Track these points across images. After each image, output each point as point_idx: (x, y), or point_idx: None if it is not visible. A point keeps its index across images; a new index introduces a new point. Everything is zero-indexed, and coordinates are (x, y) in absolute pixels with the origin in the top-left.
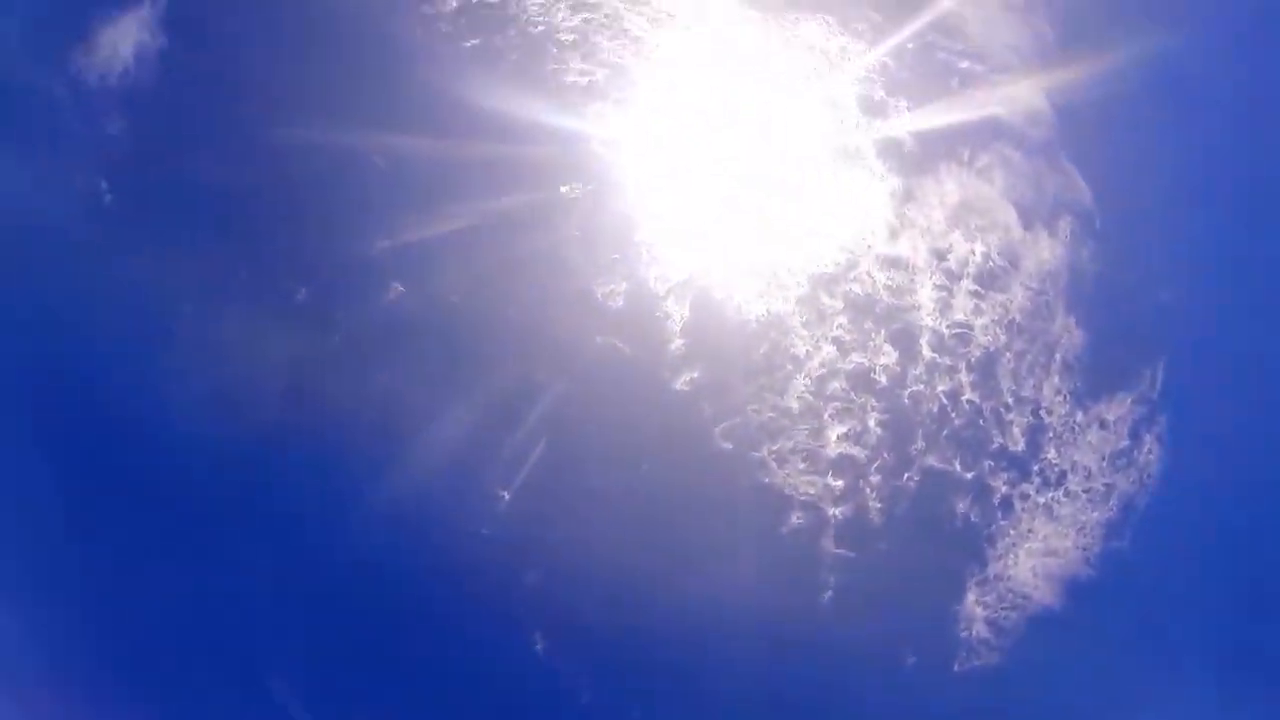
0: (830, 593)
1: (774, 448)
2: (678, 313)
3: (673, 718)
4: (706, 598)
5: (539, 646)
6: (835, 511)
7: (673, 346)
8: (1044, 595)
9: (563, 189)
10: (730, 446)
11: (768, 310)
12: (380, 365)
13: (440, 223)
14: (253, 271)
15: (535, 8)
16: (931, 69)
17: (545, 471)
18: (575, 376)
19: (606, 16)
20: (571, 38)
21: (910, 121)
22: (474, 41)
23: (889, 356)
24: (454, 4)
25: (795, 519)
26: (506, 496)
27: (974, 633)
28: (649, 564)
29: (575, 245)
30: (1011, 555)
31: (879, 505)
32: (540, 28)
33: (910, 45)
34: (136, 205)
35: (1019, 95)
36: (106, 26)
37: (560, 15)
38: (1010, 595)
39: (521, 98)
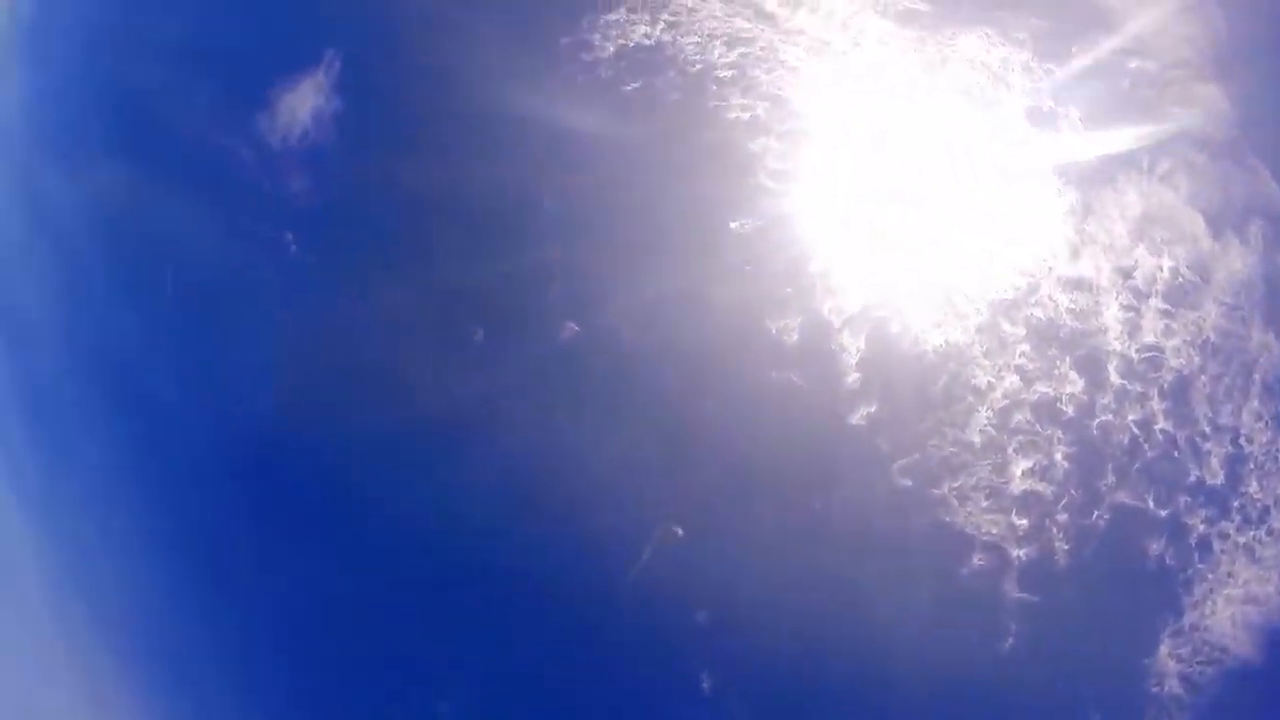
0: (1011, 640)
1: (955, 484)
2: (853, 345)
3: None
4: (880, 643)
5: (705, 686)
6: (1019, 553)
7: (848, 381)
8: (1244, 648)
9: (732, 225)
10: (909, 484)
11: (946, 340)
12: (555, 404)
13: (612, 263)
14: (432, 315)
15: (692, 47)
16: (1100, 72)
17: (718, 509)
18: (749, 413)
19: (762, 50)
20: (730, 74)
21: (1083, 130)
22: (634, 85)
23: (1075, 385)
24: (611, 50)
25: (976, 560)
26: (680, 533)
27: (1166, 689)
28: (821, 606)
29: (747, 281)
30: (1209, 602)
31: (1066, 546)
32: (698, 66)
33: (1075, 49)
34: (320, 256)
35: (1196, 94)
36: (286, 93)
37: (717, 52)
38: (1207, 648)
39: (685, 137)
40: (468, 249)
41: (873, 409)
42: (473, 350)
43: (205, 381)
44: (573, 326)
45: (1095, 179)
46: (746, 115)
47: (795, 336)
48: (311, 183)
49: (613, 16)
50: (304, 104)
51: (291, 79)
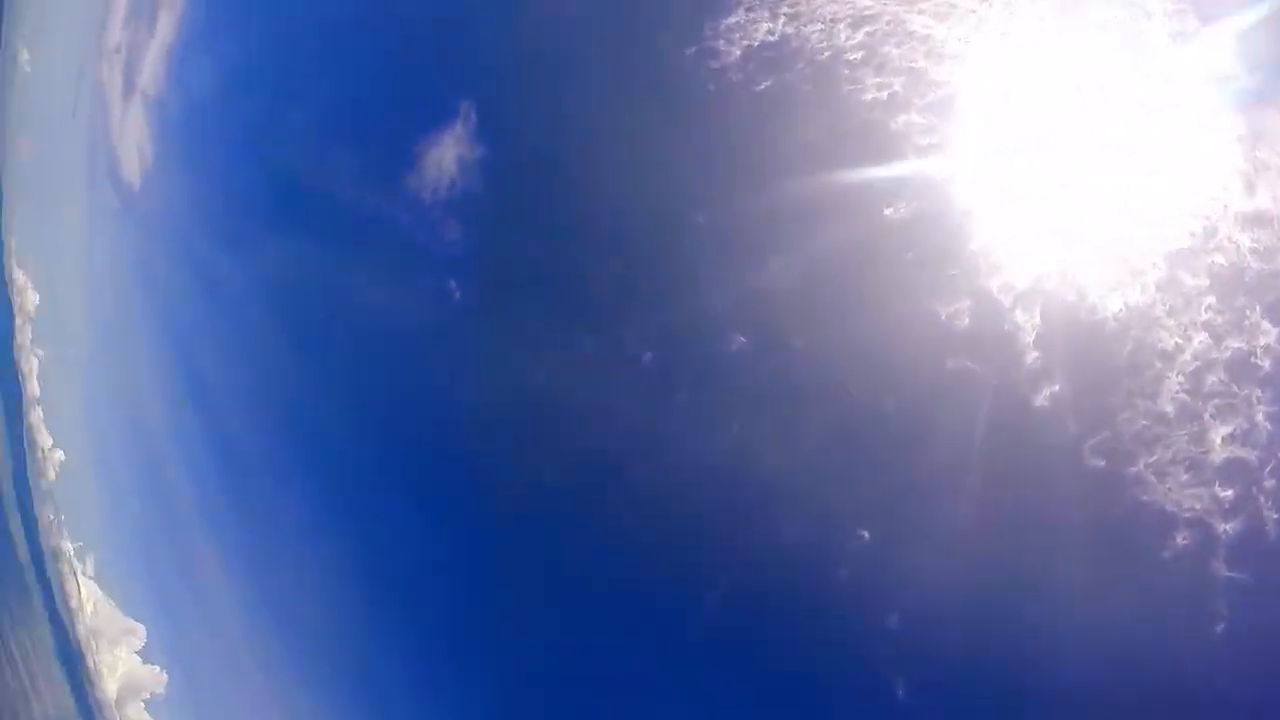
0: (1223, 624)
1: (1151, 459)
2: (1028, 322)
3: None
4: (1083, 634)
5: (900, 693)
6: (1226, 527)
7: (1028, 360)
8: None
9: (886, 211)
10: (1102, 464)
11: (1125, 303)
12: (730, 418)
13: (769, 269)
14: (598, 343)
15: (816, 35)
16: None
17: (904, 509)
18: (929, 406)
19: (889, 24)
20: (859, 55)
21: (1235, 50)
22: (766, 83)
23: (1269, 335)
24: (738, 53)
25: (1180, 539)
26: (866, 536)
27: None
28: (1020, 601)
29: (910, 269)
30: None
31: (1277, 515)
32: (826, 53)
33: None
34: (484, 297)
35: None
36: (430, 149)
37: (843, 35)
38: None
39: (825, 127)
40: (625, 275)
41: (1056, 388)
42: (643, 372)
43: (392, 428)
44: (740, 338)
45: (1260, 102)
46: (884, 94)
47: (967, 321)
48: (466, 229)
49: (732, 19)
50: (448, 156)
51: (432, 135)
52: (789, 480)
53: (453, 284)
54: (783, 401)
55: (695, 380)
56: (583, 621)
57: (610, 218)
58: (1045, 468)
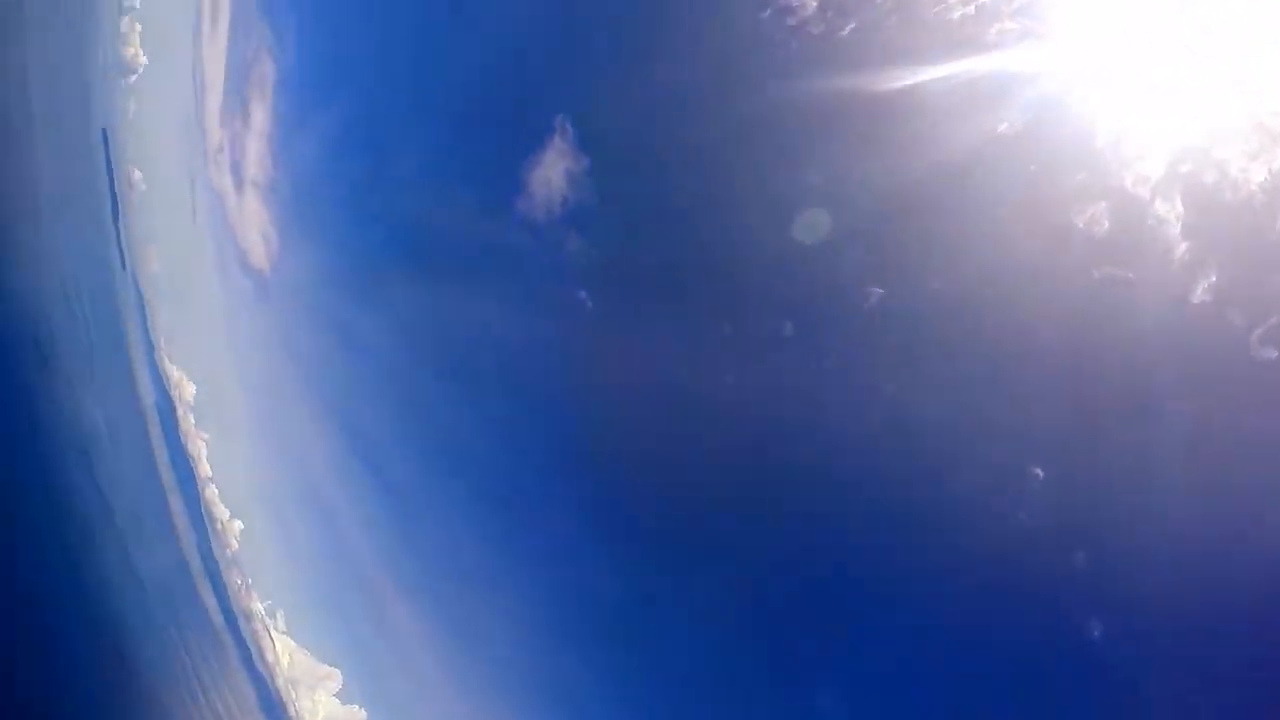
0: None
1: None
2: (1171, 213)
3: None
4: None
5: (1096, 634)
6: None
7: (1178, 254)
8: None
9: (1000, 128)
10: (1274, 354)
11: (1269, 171)
12: (883, 372)
13: (891, 214)
14: (737, 325)
15: None
16: None
17: (1076, 439)
18: (1084, 325)
19: None
20: None
21: None
22: (849, 27)
23: None
24: (814, 5)
25: None
26: (1040, 474)
27: None
28: (1210, 525)
29: (1037, 182)
30: None
31: None
32: None
33: None
34: (616, 300)
35: None
36: (534, 169)
37: None
38: None
39: (919, 56)
40: (748, 250)
41: (1213, 278)
42: (789, 344)
43: (550, 442)
44: (876, 290)
45: None
46: (971, 8)
47: (1106, 224)
48: (585, 238)
49: None
50: (554, 172)
51: (533, 156)
52: (952, 428)
53: (583, 294)
54: (931, 347)
55: (842, 342)
56: (782, 592)
57: (723, 199)
58: (1214, 367)
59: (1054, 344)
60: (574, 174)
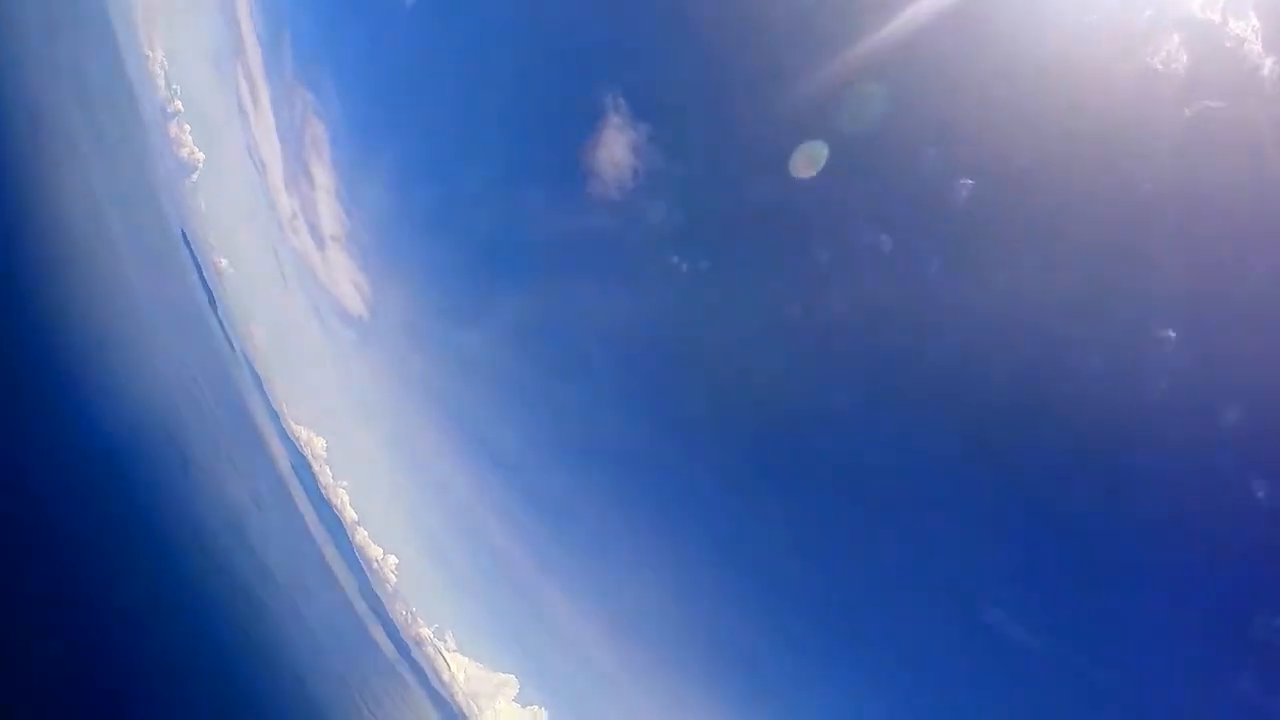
0: None
1: None
2: (1247, 29)
3: None
4: None
5: (1260, 495)
6: None
7: (1266, 71)
8: None
9: None
10: None
11: None
12: (986, 260)
13: (966, 99)
14: (834, 251)
15: None
16: None
17: (1200, 290)
18: (1184, 167)
19: None
20: None
21: None
22: None
23: None
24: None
25: None
26: (1173, 335)
27: None
28: None
29: (1101, 32)
30: None
31: None
32: None
33: None
34: (706, 255)
35: None
36: (596, 150)
37: None
38: None
39: None
40: (829, 169)
41: None
42: (888, 258)
43: (677, 410)
44: (966, 181)
45: None
46: None
47: (1184, 58)
48: (665, 200)
49: None
50: (617, 147)
51: (593, 136)
52: (1073, 305)
53: (675, 258)
54: (1034, 226)
55: (942, 242)
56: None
57: (790, 124)
58: None
59: (1160, 198)
60: (637, 144)
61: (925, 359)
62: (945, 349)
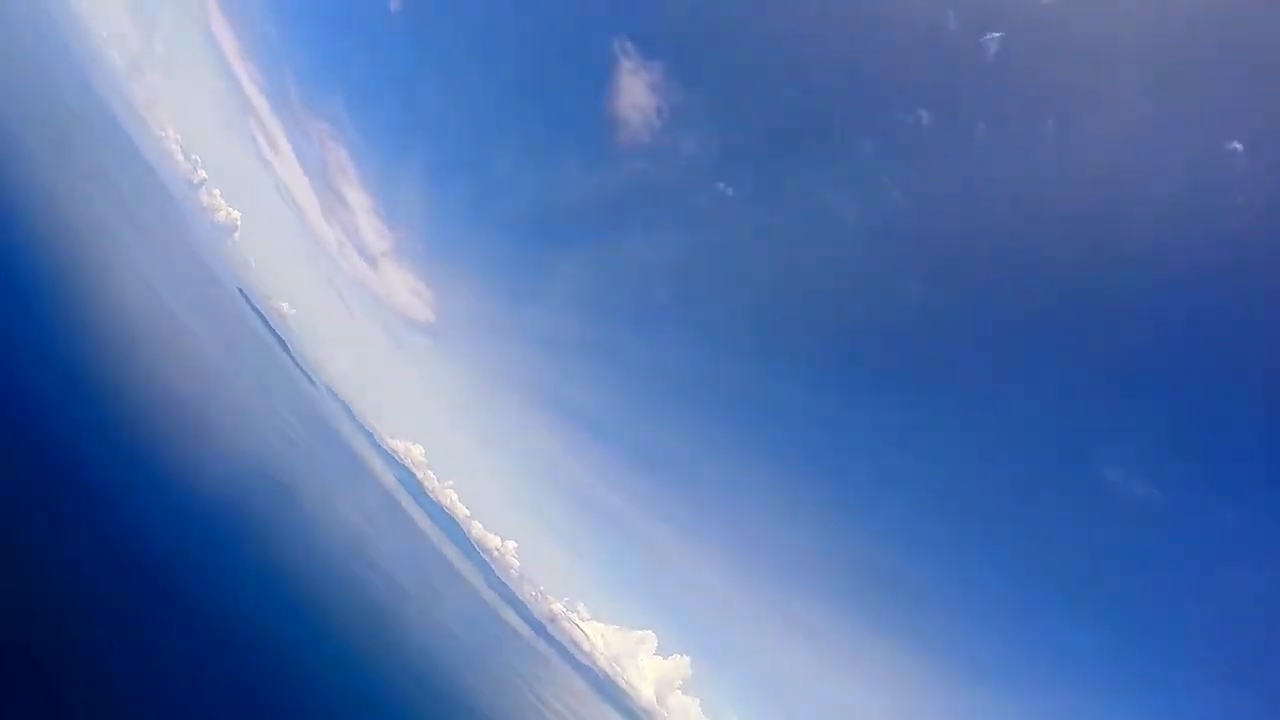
0: None
1: None
2: None
3: None
4: None
5: None
6: None
7: None
8: None
9: None
10: None
11: None
12: (1035, 109)
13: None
14: (876, 138)
15: None
16: None
17: (1263, 103)
18: None
19: None
20: None
21: None
22: None
23: None
24: None
25: None
26: (1239, 148)
27: None
28: None
29: None
30: None
31: None
32: None
33: None
34: (750, 173)
35: None
36: (617, 100)
37: None
38: None
39: None
40: (853, 52)
41: None
42: (928, 133)
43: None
44: (993, 35)
45: None
46: None
47: None
48: (697, 132)
49: None
50: (635, 91)
51: (610, 86)
52: (1132, 126)
53: (720, 185)
54: (1081, 59)
55: (981, 105)
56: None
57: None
58: None
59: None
60: (654, 83)
61: (994, 224)
62: (1012, 209)
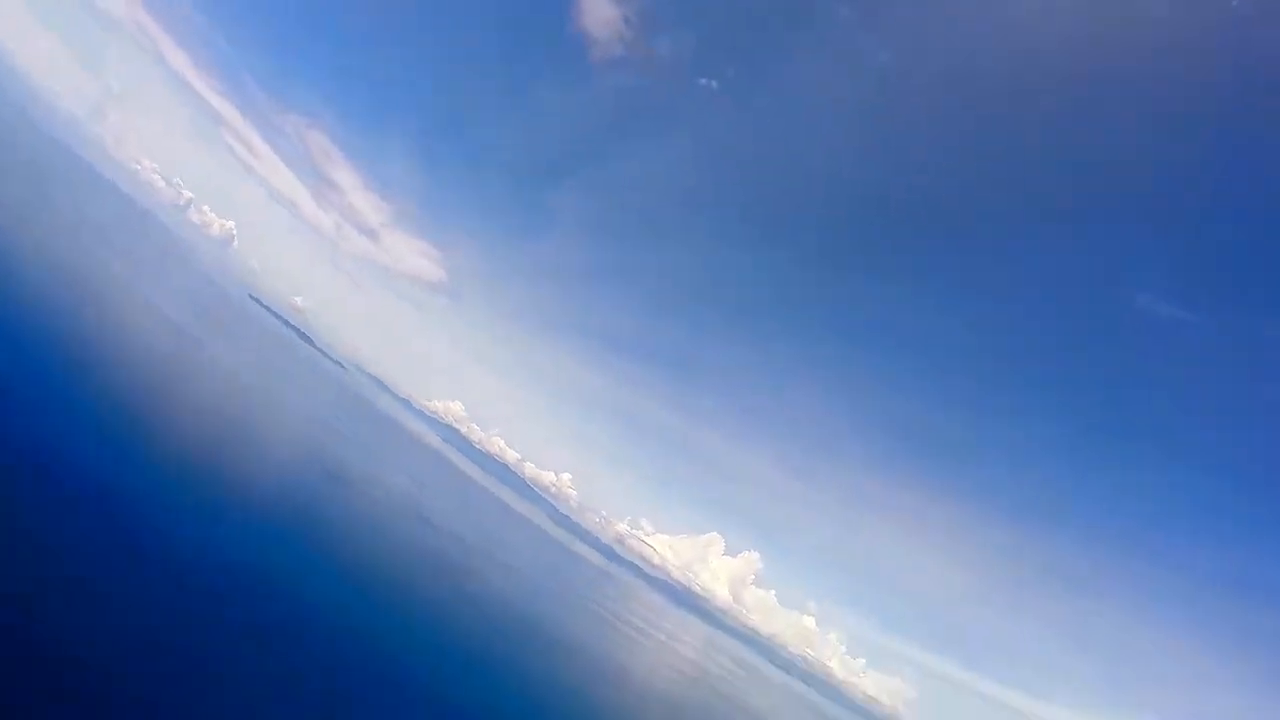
0: None
1: None
2: None
3: None
4: None
5: None
6: None
7: None
8: None
9: None
10: None
11: None
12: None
13: None
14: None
15: None
16: None
17: None
18: None
19: None
20: None
21: None
22: None
23: None
24: None
25: None
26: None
27: None
28: None
29: None
30: None
31: None
32: None
33: None
34: (733, 66)
35: None
36: (583, 15)
37: None
38: None
39: None
40: None
41: None
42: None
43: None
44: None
45: None
46: None
47: None
48: (670, 31)
49: None
50: (599, 3)
51: (573, 8)
52: None
53: (704, 80)
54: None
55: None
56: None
57: None
58: None
59: None
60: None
61: (999, 62)
62: (1020, 39)
